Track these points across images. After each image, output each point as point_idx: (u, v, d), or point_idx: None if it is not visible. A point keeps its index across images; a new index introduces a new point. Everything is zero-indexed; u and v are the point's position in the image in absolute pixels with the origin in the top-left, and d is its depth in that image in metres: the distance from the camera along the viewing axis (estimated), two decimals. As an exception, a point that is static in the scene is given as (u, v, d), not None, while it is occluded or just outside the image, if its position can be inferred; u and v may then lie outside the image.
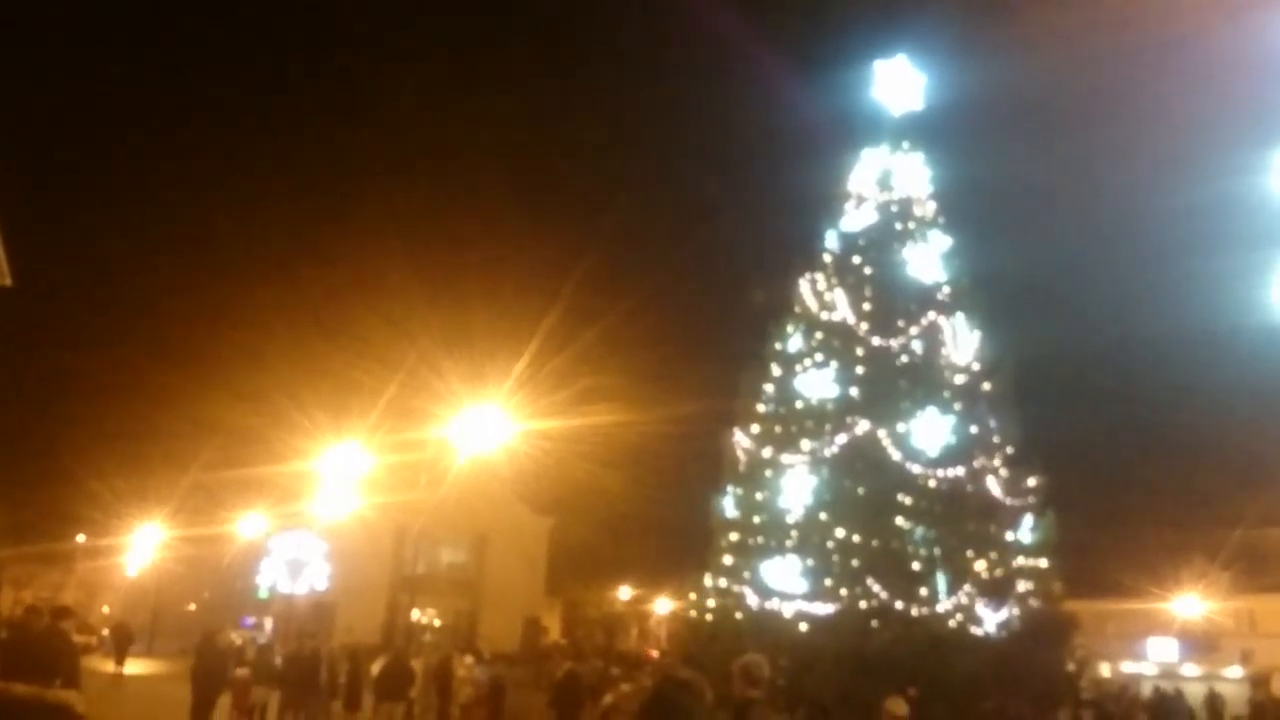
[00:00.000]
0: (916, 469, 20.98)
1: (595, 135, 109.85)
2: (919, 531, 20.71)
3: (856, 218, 24.48)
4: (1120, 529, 45.23)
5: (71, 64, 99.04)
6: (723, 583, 22.28)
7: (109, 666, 33.31)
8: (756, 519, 22.35)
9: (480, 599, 52.35)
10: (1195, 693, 32.05)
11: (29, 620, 11.20)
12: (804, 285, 23.85)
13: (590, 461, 38.52)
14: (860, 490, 20.90)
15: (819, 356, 22.93)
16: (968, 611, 20.27)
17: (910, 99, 25.27)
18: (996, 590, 20.80)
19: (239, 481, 46.89)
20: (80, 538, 59.98)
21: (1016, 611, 20.98)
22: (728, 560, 22.40)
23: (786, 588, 20.92)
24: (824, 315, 23.31)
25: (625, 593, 62.83)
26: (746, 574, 21.86)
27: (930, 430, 21.38)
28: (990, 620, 20.50)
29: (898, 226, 23.99)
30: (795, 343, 23.53)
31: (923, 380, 22.20)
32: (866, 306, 22.84)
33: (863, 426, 21.27)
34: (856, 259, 23.77)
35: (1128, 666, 45.72)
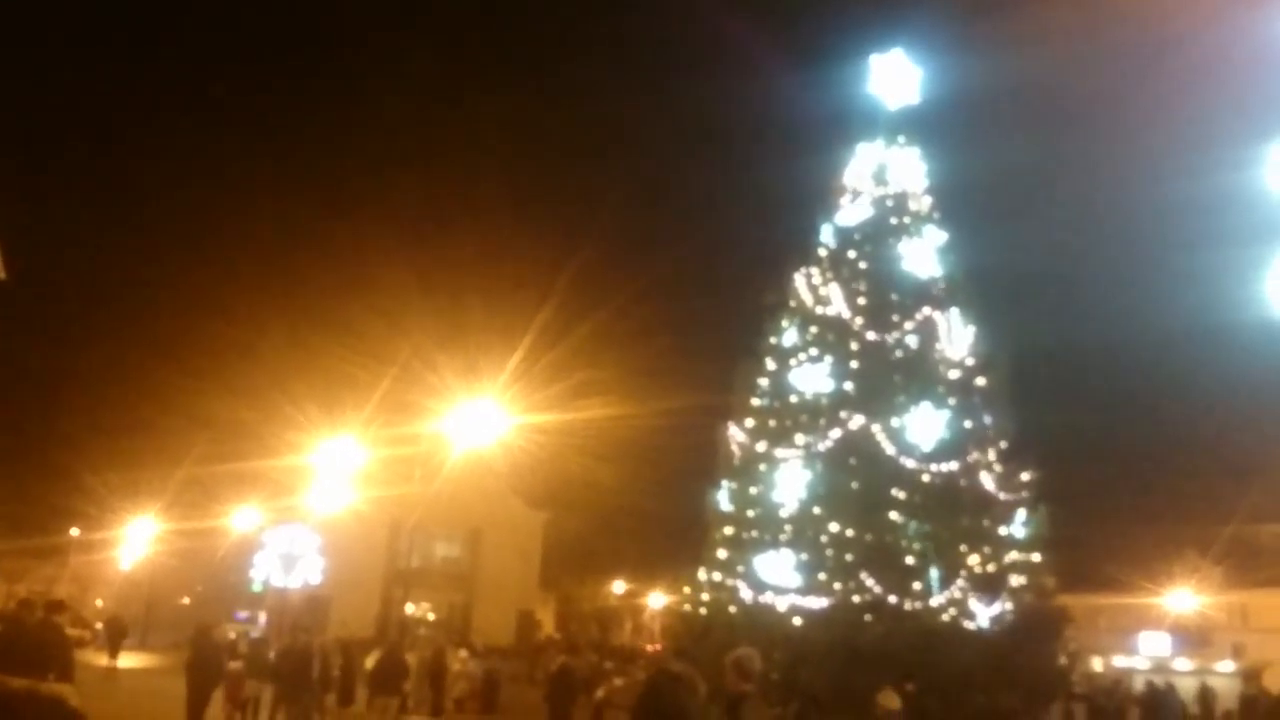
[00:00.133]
0: (910, 463, 21.00)
1: (590, 130, 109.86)
2: (912, 526, 20.71)
3: (852, 212, 24.45)
4: (1113, 524, 45.37)
5: (65, 60, 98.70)
6: (717, 577, 22.30)
7: (103, 660, 33.33)
8: (750, 513, 22.36)
9: (474, 593, 52.40)
10: (1187, 687, 32.15)
11: (23, 614, 11.21)
12: (799, 279, 23.82)
13: (584, 455, 38.60)
14: (854, 484, 20.91)
15: (814, 351, 22.92)
16: (961, 606, 20.31)
17: (906, 93, 25.24)
18: (989, 585, 20.84)
19: (233, 475, 46.95)
20: (74, 531, 59.97)
21: (1009, 606, 21.01)
22: (722, 554, 22.42)
23: (780, 582, 20.94)
24: (819, 309, 23.30)
25: (619, 587, 62.87)
26: (740, 568, 21.88)
27: (924, 425, 21.38)
28: (983, 614, 20.53)
29: (893, 221, 23.95)
30: (790, 337, 23.53)
31: (917, 375, 22.19)
32: (861, 301, 22.83)
33: (857, 421, 21.30)
34: (851, 253, 23.74)
35: (1120, 661, 45.76)
